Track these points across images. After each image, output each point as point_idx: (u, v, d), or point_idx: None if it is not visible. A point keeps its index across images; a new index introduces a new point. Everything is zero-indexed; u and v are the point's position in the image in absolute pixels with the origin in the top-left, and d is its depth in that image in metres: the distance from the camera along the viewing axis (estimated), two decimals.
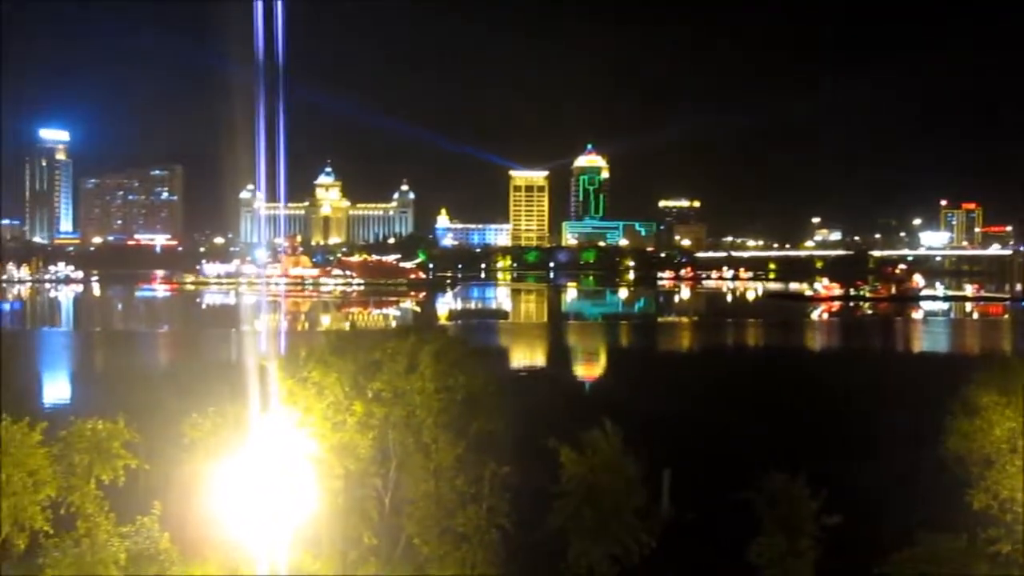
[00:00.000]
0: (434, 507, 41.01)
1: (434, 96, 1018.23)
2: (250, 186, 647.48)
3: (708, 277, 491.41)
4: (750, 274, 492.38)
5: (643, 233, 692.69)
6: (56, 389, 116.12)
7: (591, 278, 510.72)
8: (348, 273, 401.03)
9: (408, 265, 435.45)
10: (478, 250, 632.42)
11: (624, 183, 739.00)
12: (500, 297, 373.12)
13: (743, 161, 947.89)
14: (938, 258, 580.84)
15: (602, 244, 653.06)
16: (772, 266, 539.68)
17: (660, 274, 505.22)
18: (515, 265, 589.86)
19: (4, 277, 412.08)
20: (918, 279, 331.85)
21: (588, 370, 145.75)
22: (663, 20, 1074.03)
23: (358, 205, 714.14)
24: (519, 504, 40.94)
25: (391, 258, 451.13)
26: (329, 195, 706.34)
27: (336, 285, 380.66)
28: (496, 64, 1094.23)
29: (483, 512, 40.43)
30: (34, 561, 39.86)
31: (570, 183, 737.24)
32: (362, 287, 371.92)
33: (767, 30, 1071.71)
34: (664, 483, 50.38)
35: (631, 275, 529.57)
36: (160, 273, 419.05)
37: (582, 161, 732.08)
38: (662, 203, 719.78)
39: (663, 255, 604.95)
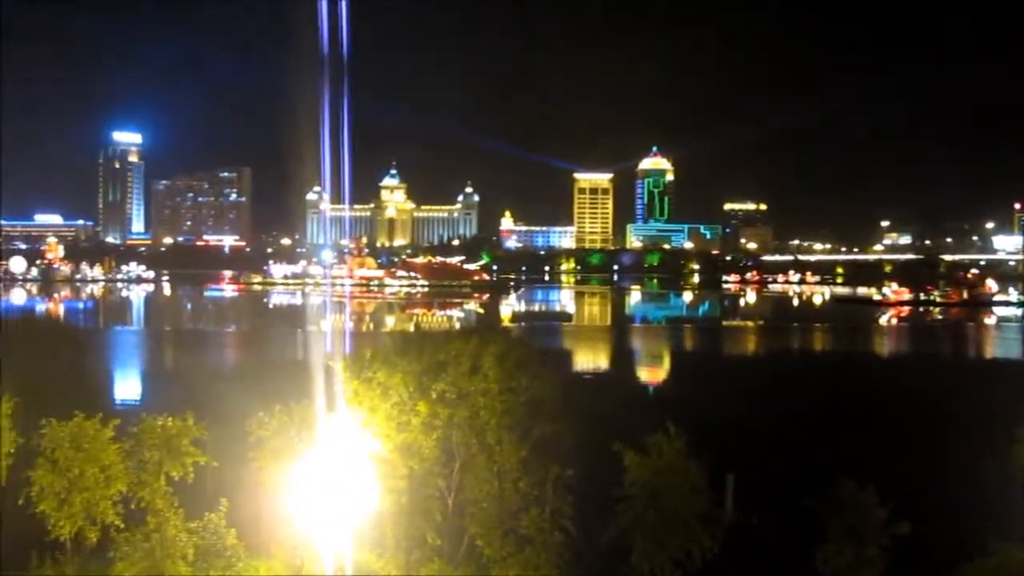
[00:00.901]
0: (497, 508, 41.09)
1: (499, 98, 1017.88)
2: (316, 188, 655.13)
3: (774, 281, 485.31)
4: (817, 278, 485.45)
5: (708, 236, 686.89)
6: (127, 387, 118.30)
7: (655, 281, 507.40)
8: (412, 274, 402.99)
9: (472, 267, 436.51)
10: (542, 252, 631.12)
11: (689, 185, 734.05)
12: (564, 299, 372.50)
13: (811, 163, 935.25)
14: (1011, 262, 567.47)
15: (667, 247, 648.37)
16: (840, 270, 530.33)
17: (725, 277, 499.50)
18: (579, 268, 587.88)
19: (78, 276, 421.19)
20: (991, 284, 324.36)
21: (652, 374, 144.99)
22: (729, 20, 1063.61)
23: (423, 207, 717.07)
24: (582, 507, 40.87)
25: (455, 260, 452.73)
26: (394, 197, 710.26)
27: (400, 286, 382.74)
28: (561, 66, 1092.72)
29: (546, 514, 40.43)
30: (105, 555, 40.70)
31: (635, 185, 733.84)
32: (426, 288, 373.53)
33: (838, 27, 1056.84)
34: (728, 488, 49.91)
35: (696, 278, 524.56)
36: (228, 273, 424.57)
37: (647, 163, 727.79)
38: (728, 206, 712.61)
39: (728, 258, 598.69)
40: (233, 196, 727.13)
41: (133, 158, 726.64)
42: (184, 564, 39.80)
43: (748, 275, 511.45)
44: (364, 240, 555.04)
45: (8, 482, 41.87)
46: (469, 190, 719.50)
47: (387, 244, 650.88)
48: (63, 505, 39.97)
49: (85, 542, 41.13)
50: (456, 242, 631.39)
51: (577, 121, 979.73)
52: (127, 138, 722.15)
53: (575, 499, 40.61)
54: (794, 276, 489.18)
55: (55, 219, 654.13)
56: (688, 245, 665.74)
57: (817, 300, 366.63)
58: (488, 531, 41.22)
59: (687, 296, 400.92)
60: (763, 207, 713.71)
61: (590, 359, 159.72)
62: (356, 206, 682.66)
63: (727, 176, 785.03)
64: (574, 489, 40.66)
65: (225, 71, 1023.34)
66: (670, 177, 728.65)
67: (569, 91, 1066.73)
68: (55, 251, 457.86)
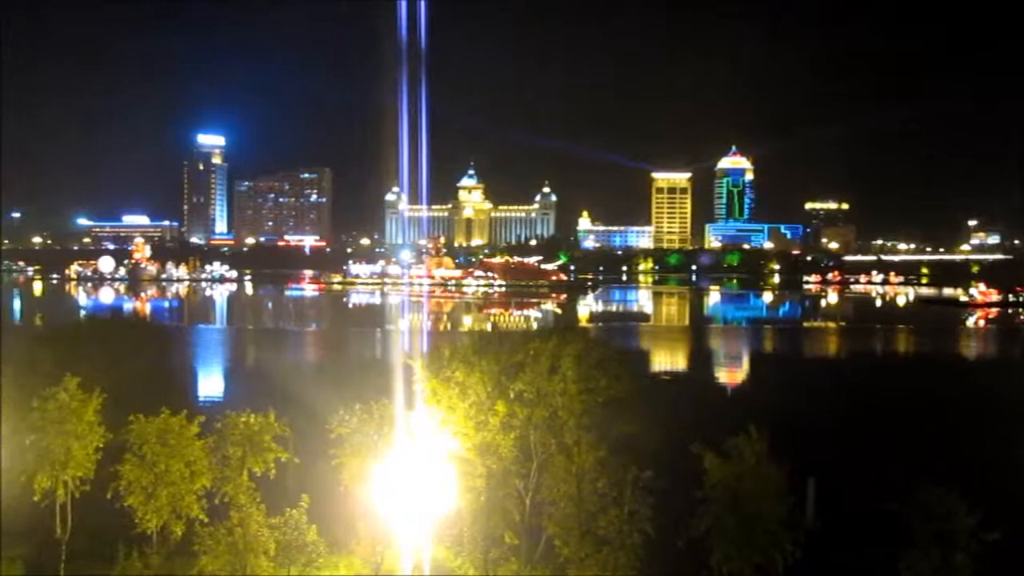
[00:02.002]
0: (576, 509, 40.95)
1: (577, 98, 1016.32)
2: (395, 188, 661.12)
3: (856, 281, 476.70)
4: (901, 278, 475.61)
5: (789, 236, 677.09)
6: (210, 384, 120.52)
7: (734, 281, 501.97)
8: (490, 274, 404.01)
9: (549, 267, 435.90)
10: (619, 252, 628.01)
11: (769, 184, 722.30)
12: (641, 300, 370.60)
13: (895, 162, 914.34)
14: None
15: (746, 247, 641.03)
16: (924, 270, 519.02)
17: (806, 278, 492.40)
18: (657, 267, 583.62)
19: (164, 276, 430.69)
20: None
21: (731, 375, 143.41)
22: (806, 17, 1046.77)
23: (500, 207, 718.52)
24: (661, 508, 40.51)
25: (532, 260, 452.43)
26: (472, 197, 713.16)
27: (478, 286, 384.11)
28: (639, 65, 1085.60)
29: (625, 515, 40.16)
30: (190, 548, 41.54)
31: (713, 185, 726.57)
32: (503, 288, 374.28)
33: (919, 26, 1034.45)
34: (809, 492, 49.15)
35: (776, 278, 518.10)
36: (309, 273, 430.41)
37: (726, 162, 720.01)
38: (809, 205, 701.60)
39: (809, 258, 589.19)
40: (314, 197, 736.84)
41: (217, 160, 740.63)
42: (266, 559, 40.41)
43: (829, 275, 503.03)
44: (442, 240, 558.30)
45: (97, 476, 42.93)
46: (547, 190, 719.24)
47: (465, 244, 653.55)
48: (150, 499, 40.90)
49: (170, 536, 42.01)
50: (533, 242, 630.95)
51: (655, 120, 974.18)
52: (211, 141, 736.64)
53: (654, 500, 40.25)
54: (877, 277, 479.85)
55: (142, 220, 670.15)
56: (768, 245, 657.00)
57: (901, 301, 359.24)
58: (566, 531, 41.11)
59: (767, 297, 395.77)
60: (845, 206, 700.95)
61: (668, 360, 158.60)
62: (434, 206, 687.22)
63: (808, 175, 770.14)
64: (653, 490, 40.29)
65: (307, 74, 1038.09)
66: (749, 176, 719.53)
67: (647, 90, 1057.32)
68: (142, 251, 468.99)
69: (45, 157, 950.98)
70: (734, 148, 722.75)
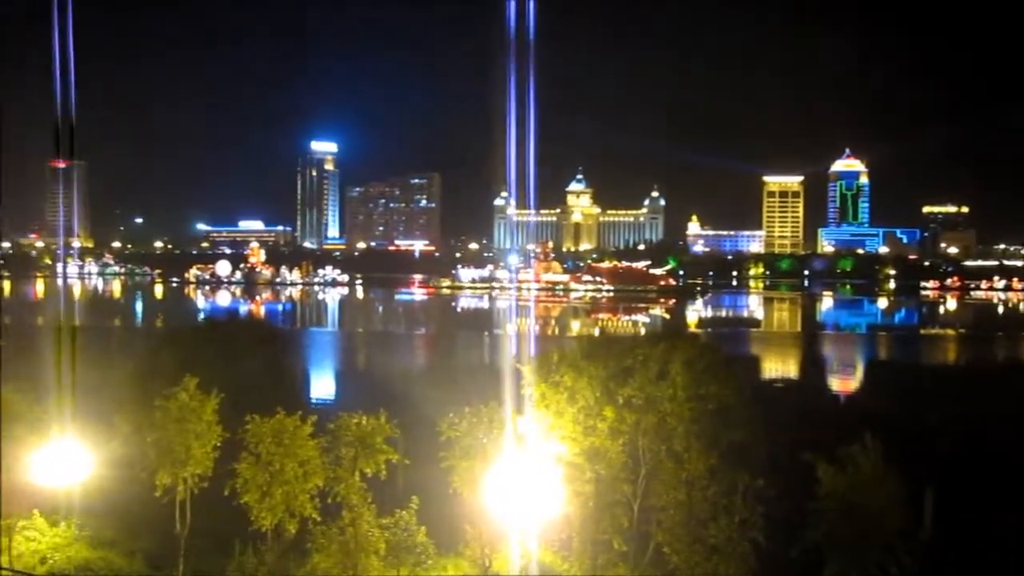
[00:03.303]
0: (685, 517, 40.56)
1: (686, 101, 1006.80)
2: (504, 193, 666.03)
3: (976, 287, 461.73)
4: None
5: (905, 240, 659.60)
6: (322, 385, 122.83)
7: (848, 287, 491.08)
8: (598, 279, 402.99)
9: (658, 272, 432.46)
10: (729, 257, 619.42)
11: (885, 188, 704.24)
12: (752, 305, 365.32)
13: (1018, 164, 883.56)
14: None
15: (860, 252, 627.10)
16: None
17: (923, 284, 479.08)
18: (768, 273, 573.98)
19: (278, 280, 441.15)
20: None
21: (844, 383, 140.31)
22: (917, 17, 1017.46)
23: (608, 212, 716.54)
24: (772, 518, 39.85)
25: (641, 264, 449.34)
26: (580, 202, 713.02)
27: (586, 291, 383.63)
28: (750, 67, 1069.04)
29: (735, 524, 39.60)
30: (303, 546, 42.41)
31: (826, 189, 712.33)
32: (611, 293, 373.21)
33: None
34: (927, 503, 47.74)
35: (891, 284, 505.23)
36: (418, 277, 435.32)
37: (839, 166, 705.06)
38: (927, 209, 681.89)
39: (927, 263, 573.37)
40: (423, 202, 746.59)
41: (329, 166, 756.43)
42: (376, 559, 41.01)
43: (948, 281, 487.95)
44: (550, 244, 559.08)
45: (214, 474, 44.08)
46: (655, 194, 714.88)
47: (573, 249, 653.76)
48: (265, 497, 41.82)
49: (284, 533, 42.91)
50: (642, 247, 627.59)
51: (765, 123, 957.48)
52: (323, 147, 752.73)
53: (765, 510, 39.62)
54: (999, 282, 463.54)
55: (257, 225, 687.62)
56: (883, 250, 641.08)
57: None
58: (675, 539, 40.74)
59: (882, 303, 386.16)
60: (965, 210, 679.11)
61: (779, 366, 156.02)
62: (542, 211, 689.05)
63: (926, 178, 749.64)
64: (765, 499, 39.66)
65: (416, 80, 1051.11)
66: (864, 180, 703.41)
67: (757, 92, 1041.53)
68: (257, 255, 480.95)
69: (166, 165, 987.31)
70: (848, 151, 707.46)
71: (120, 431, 44.71)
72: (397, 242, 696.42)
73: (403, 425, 44.41)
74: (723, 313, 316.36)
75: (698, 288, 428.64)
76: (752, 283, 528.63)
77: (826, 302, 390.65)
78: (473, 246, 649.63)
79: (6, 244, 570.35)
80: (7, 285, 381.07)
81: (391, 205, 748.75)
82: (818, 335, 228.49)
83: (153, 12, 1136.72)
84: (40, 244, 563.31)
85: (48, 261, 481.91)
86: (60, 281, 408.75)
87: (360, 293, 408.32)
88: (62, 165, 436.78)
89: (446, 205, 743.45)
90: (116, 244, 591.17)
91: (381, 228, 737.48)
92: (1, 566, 41.84)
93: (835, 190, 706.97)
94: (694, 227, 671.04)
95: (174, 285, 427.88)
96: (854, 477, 37.67)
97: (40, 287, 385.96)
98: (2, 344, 57.04)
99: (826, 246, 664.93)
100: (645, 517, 43.26)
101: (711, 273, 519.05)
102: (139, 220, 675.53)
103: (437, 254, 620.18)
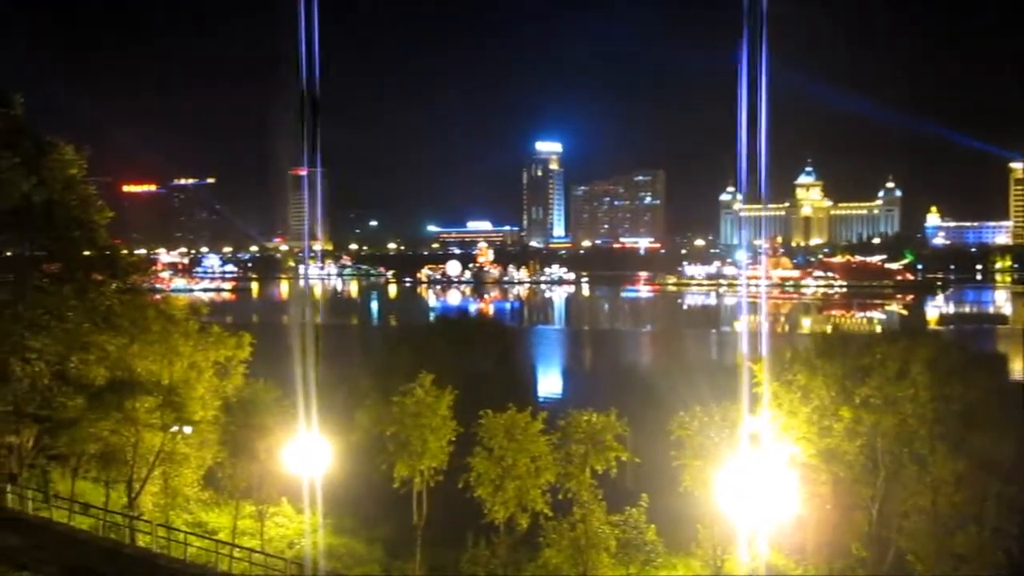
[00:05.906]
0: (930, 523, 38.73)
1: (923, 84, 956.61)
2: (730, 188, 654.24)
3: None
4: None
5: None
6: (550, 382, 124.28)
7: None
8: (830, 274, 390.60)
9: (894, 266, 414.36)
10: (973, 250, 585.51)
11: None
12: (999, 300, 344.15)
13: None
14: None
15: None
16: None
17: None
18: (1015, 266, 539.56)
19: (505, 278, 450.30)
20: None
21: None
22: None
23: (840, 205, 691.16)
24: None
25: (875, 259, 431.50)
26: (810, 195, 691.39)
27: (817, 287, 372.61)
28: (993, 43, 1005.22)
29: (986, 533, 37.46)
30: (534, 540, 43.15)
31: None
32: (844, 289, 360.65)
33: None
34: None
35: None
36: (643, 275, 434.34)
37: None
38: None
39: None
40: (648, 199, 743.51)
41: (554, 166, 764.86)
42: (607, 555, 41.26)
43: None
44: (779, 240, 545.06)
45: (448, 467, 45.45)
46: (890, 185, 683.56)
47: (802, 244, 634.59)
48: (497, 491, 42.83)
49: (516, 527, 43.75)
50: (876, 240, 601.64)
51: (1014, 104, 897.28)
52: (548, 147, 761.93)
53: (1020, 519, 37.29)
54: None
55: (485, 225, 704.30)
56: None
57: None
58: (919, 547, 38.99)
59: None
60: None
61: None
62: (770, 205, 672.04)
63: None
64: (1019, 508, 37.32)
65: (640, 77, 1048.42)
66: None
67: (1004, 69, 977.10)
68: (486, 255, 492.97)
69: (399, 169, 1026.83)
70: None
71: (360, 425, 46.83)
72: (622, 240, 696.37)
73: (632, 423, 44.42)
74: (966, 309, 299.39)
75: (938, 283, 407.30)
76: (999, 277, 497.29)
77: None
78: (699, 242, 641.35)
79: (254, 248, 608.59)
80: (255, 286, 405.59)
81: (616, 203, 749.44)
82: None
83: (382, 22, 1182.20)
84: (284, 248, 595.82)
85: (291, 263, 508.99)
86: (302, 282, 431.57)
87: (586, 291, 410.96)
88: (303, 172, 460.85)
89: (670, 201, 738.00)
90: (353, 246, 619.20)
91: (606, 226, 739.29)
92: (255, 549, 44.60)
93: None
94: (933, 218, 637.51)
95: (407, 285, 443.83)
96: None
97: (284, 288, 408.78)
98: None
99: None
100: (884, 522, 41.58)
101: (952, 267, 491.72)
102: (374, 223, 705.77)
103: (662, 251, 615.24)
